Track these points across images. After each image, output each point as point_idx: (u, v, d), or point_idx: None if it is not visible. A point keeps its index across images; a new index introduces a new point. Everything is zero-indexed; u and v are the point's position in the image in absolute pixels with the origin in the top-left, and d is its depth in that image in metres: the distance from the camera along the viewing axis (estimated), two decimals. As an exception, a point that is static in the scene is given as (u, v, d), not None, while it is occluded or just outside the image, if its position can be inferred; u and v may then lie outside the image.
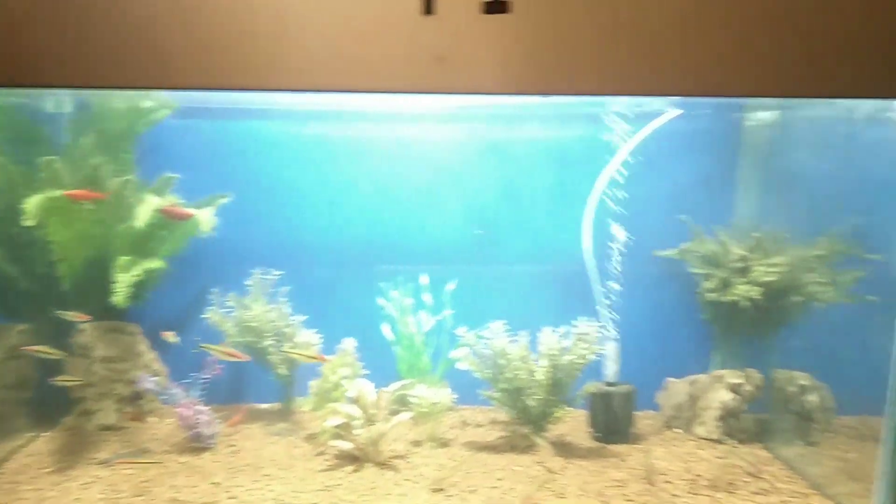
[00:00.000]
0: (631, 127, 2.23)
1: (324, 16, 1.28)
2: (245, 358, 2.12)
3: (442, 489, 1.88)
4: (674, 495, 1.88)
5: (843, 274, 2.13)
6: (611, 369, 2.31)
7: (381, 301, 2.41)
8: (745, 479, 1.99)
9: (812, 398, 2.21)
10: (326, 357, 2.26)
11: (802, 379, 2.22)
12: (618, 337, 2.30)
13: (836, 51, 1.32)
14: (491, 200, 2.46)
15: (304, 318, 2.36)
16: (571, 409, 2.31)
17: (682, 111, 2.18)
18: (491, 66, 1.28)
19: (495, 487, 1.91)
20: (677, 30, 1.30)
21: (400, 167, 2.45)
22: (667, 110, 2.19)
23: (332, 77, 1.31)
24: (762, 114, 2.32)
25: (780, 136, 2.26)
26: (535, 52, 1.28)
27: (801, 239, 2.23)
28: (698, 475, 2.01)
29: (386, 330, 2.40)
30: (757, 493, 1.90)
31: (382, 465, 2.03)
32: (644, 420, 2.43)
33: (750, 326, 2.30)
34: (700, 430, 2.32)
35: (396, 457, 2.08)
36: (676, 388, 2.41)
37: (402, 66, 1.27)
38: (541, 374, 2.12)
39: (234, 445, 2.18)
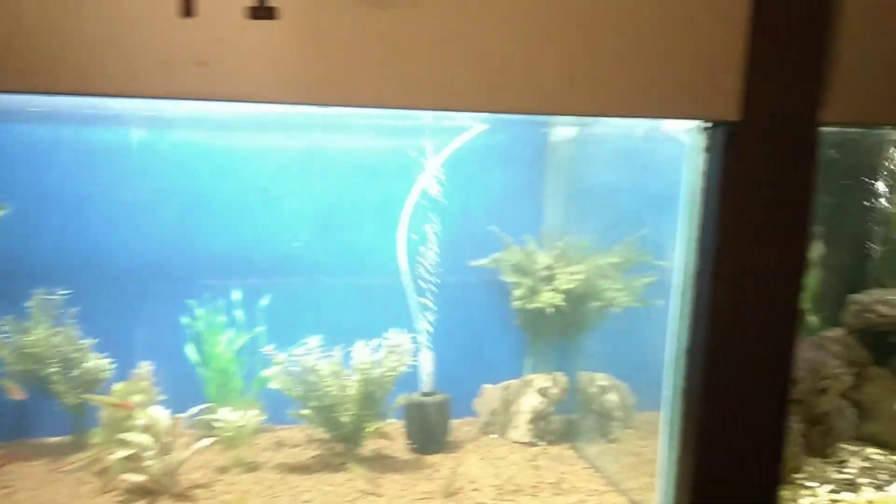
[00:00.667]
0: (441, 140, 2.26)
1: (83, 17, 1.17)
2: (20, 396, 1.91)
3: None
4: (479, 503, 1.92)
5: (635, 280, 2.29)
6: (426, 379, 2.32)
7: (185, 320, 2.26)
8: (549, 482, 2.07)
9: (612, 397, 2.34)
10: (130, 403, 2.06)
11: (602, 379, 2.35)
12: (431, 347, 2.32)
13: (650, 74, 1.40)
14: (307, 212, 2.40)
15: (95, 341, 2.16)
16: (393, 421, 2.31)
17: (487, 126, 2.24)
18: (260, 73, 1.22)
19: (302, 510, 1.85)
20: (464, 40, 1.31)
21: (207, 177, 2.31)
22: (474, 125, 2.25)
23: (90, 80, 1.20)
24: (564, 130, 2.45)
25: (579, 151, 2.40)
26: (307, 60, 1.24)
27: (599, 248, 2.38)
28: (507, 479, 2.06)
29: (190, 351, 2.25)
30: (557, 494, 1.98)
31: (179, 496, 1.89)
32: (463, 427, 2.47)
33: (556, 331, 2.41)
34: (514, 434, 2.39)
35: (196, 486, 1.95)
36: (491, 394, 2.47)
37: (160, 70, 1.18)
38: (352, 389, 2.08)
39: (8, 486, 1.94)
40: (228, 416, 2.07)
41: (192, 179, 2.30)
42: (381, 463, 2.16)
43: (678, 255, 1.68)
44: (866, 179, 2.46)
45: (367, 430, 2.15)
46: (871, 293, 2.34)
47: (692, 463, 1.66)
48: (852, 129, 2.24)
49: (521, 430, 2.37)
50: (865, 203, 2.47)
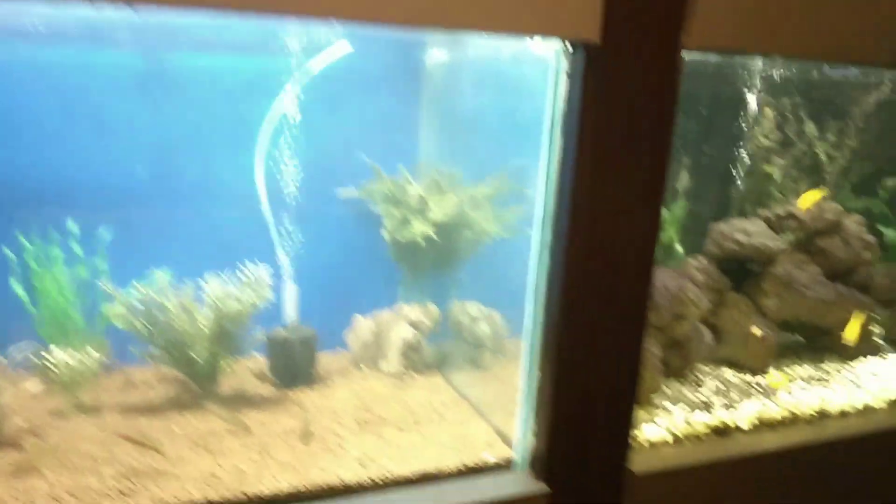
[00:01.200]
0: (304, 59, 2.07)
1: None
2: None
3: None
4: (340, 437, 1.86)
5: (507, 210, 2.24)
6: (290, 313, 2.21)
7: (10, 253, 2.01)
8: (415, 412, 2.04)
9: (483, 326, 2.32)
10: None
11: (474, 309, 2.33)
12: (297, 280, 2.21)
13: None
14: (155, 135, 2.17)
15: None
16: (256, 357, 2.21)
17: (351, 47, 2.07)
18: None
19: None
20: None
21: (33, 95, 2.03)
22: (340, 44, 2.07)
23: None
24: (439, 53, 2.31)
25: (452, 76, 2.29)
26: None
27: (473, 178, 2.31)
28: (371, 412, 2.02)
29: (18, 287, 2.02)
30: (422, 424, 1.96)
31: (4, 443, 1.72)
32: (334, 360, 2.40)
33: (429, 262, 2.35)
34: (384, 366, 2.34)
35: (25, 432, 1.78)
36: (362, 326, 2.40)
37: None
38: (205, 325, 1.95)
39: None
40: (62, 356, 1.89)
41: (12, 98, 2.01)
42: (241, 400, 2.06)
43: (540, 185, 1.63)
44: (733, 110, 2.49)
45: (223, 367, 2.03)
46: (733, 222, 2.40)
47: (551, 389, 1.66)
48: (722, 59, 2.24)
49: (391, 361, 2.32)
50: (731, 133, 2.52)
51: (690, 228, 2.55)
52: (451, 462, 1.74)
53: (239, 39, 2.13)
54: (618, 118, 1.49)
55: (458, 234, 2.28)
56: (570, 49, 1.49)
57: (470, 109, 2.26)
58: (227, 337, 1.98)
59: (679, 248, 2.56)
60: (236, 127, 2.19)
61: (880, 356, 2.58)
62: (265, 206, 2.14)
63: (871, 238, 2.44)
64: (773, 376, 2.28)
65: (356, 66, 2.19)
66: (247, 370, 2.20)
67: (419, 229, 2.18)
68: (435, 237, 2.21)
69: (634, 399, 1.76)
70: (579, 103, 1.48)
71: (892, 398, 2.20)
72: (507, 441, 1.85)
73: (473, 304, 2.35)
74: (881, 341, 2.71)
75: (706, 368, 2.39)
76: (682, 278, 2.18)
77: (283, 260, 2.20)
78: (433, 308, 2.34)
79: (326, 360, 2.38)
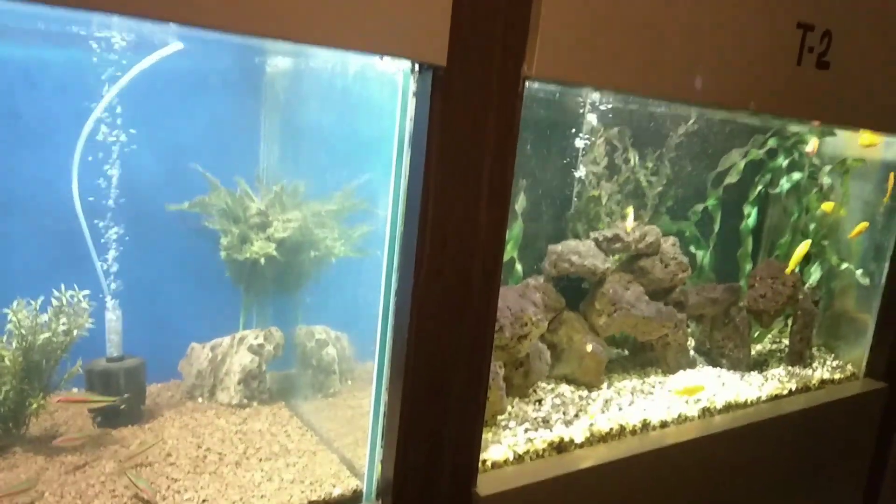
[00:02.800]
0: (127, 59, 1.90)
1: None
2: None
3: None
4: (174, 479, 1.70)
5: (354, 228, 2.20)
6: (114, 342, 2.00)
7: None
8: (256, 447, 1.92)
9: (331, 350, 2.25)
10: None
11: (321, 332, 2.25)
12: (121, 305, 2.00)
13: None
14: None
15: None
16: (76, 392, 1.97)
17: (182, 45, 1.94)
18: None
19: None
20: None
21: None
22: (172, 43, 1.93)
23: None
24: (282, 60, 2.23)
25: (297, 86, 2.22)
26: None
27: (319, 193, 2.24)
28: (209, 449, 1.87)
29: None
30: (263, 459, 1.85)
31: None
32: (165, 392, 2.21)
33: (272, 283, 2.24)
34: (222, 397, 2.19)
35: None
36: (198, 355, 2.23)
37: None
38: (8, 359, 1.70)
39: None
40: None
41: None
42: (54, 445, 1.82)
43: (388, 204, 1.61)
44: (570, 137, 2.64)
45: (33, 406, 1.79)
46: (567, 244, 2.54)
47: (398, 415, 1.63)
48: (560, 87, 2.37)
49: (230, 391, 2.18)
50: (567, 159, 2.67)
51: (530, 249, 2.66)
52: (295, 499, 1.65)
53: (48, 29, 1.91)
54: (464, 139, 1.51)
55: (302, 252, 2.20)
56: (418, 69, 1.49)
57: (315, 122, 2.20)
58: (36, 371, 1.75)
59: (519, 267, 2.66)
60: (49, 129, 1.96)
61: (697, 368, 2.84)
62: (82, 221, 1.92)
63: (684, 259, 2.69)
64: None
65: (190, 68, 2.06)
66: (67, 408, 1.96)
67: (260, 248, 2.07)
68: (278, 256, 2.11)
69: (482, 421, 1.78)
70: (426, 123, 1.48)
71: (703, 407, 2.41)
72: (354, 471, 1.80)
73: (321, 327, 2.27)
74: (694, 353, 2.99)
75: (546, 386, 2.48)
76: (523, 298, 2.26)
77: (105, 283, 1.98)
78: (276, 332, 2.24)
79: (158, 392, 2.19)
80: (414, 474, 1.66)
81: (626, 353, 2.88)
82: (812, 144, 2.96)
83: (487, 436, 2.03)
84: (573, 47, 1.62)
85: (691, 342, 3.08)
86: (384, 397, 1.67)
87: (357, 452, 1.78)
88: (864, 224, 3.07)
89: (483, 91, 1.51)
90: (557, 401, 2.36)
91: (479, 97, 1.51)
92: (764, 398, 2.63)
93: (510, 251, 2.62)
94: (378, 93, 1.67)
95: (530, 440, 2.02)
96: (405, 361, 1.60)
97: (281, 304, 2.32)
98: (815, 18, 2.10)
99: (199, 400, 2.19)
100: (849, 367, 3.09)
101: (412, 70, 1.50)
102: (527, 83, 1.60)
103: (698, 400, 2.46)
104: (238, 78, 2.26)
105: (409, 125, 1.54)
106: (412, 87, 1.51)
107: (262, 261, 2.10)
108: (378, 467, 1.67)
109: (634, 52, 1.72)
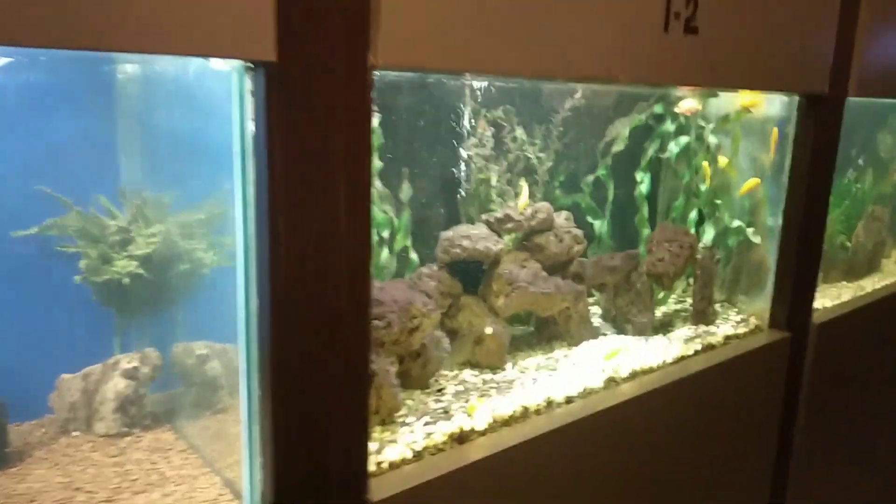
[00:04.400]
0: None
1: None
2: None
3: None
4: (34, 528, 1.57)
5: (225, 237, 2.08)
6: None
7: None
8: (132, 478, 1.80)
9: (214, 365, 2.13)
10: None
11: (201, 348, 2.13)
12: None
13: None
14: None
15: None
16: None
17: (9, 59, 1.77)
18: None
19: None
20: None
21: None
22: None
23: None
24: (130, 66, 2.07)
25: (147, 91, 2.06)
26: None
27: (186, 203, 2.11)
28: (78, 488, 1.74)
29: None
30: (140, 492, 1.73)
31: None
32: (38, 430, 2.05)
33: (143, 303, 2.10)
34: (100, 427, 2.05)
35: None
36: (69, 385, 2.08)
37: None
38: None
39: None
40: None
41: None
42: None
43: (237, 210, 1.51)
44: (455, 120, 2.58)
45: None
46: (458, 229, 2.49)
47: (273, 428, 1.54)
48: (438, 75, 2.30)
49: (107, 421, 2.04)
50: (453, 143, 2.60)
51: (426, 237, 2.60)
52: (170, 531, 1.55)
53: None
54: (309, 140, 1.42)
55: (173, 266, 2.06)
56: (252, 67, 1.39)
57: (172, 128, 2.06)
58: None
59: (414, 256, 2.59)
60: None
61: (600, 336, 2.85)
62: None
63: (578, 232, 2.68)
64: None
65: (25, 83, 1.88)
66: None
67: (121, 267, 1.93)
68: (144, 273, 1.98)
69: (367, 425, 1.71)
70: (265, 123, 1.38)
71: (607, 377, 2.42)
72: (236, 492, 1.70)
73: (202, 342, 2.15)
74: (601, 321, 3.01)
75: (449, 373, 2.44)
76: (411, 290, 2.20)
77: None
78: (152, 353, 2.10)
79: (29, 431, 2.03)
80: (297, 491, 1.58)
81: (532, 329, 2.87)
82: (685, 105, 2.99)
83: (384, 436, 1.97)
84: (422, 31, 1.54)
85: (598, 311, 3.10)
86: (256, 412, 1.58)
87: (239, 471, 1.68)
88: (755, 180, 3.15)
89: (326, 86, 1.42)
90: (460, 388, 2.32)
91: (323, 93, 1.42)
92: (670, 361, 2.66)
93: (401, 241, 2.55)
94: (217, 93, 1.55)
95: (429, 434, 1.97)
96: (272, 372, 1.51)
97: (157, 322, 2.18)
98: (676, -17, 2.10)
99: (75, 434, 2.05)
100: (752, 319, 3.17)
101: (246, 67, 1.39)
102: (377, 73, 1.51)
103: (603, 370, 2.47)
104: (87, 89, 2.08)
105: (250, 126, 1.43)
106: (249, 85, 1.41)
107: (127, 280, 1.95)
108: (258, 487, 1.58)
109: (489, 31, 1.66)
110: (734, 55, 2.43)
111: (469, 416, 2.07)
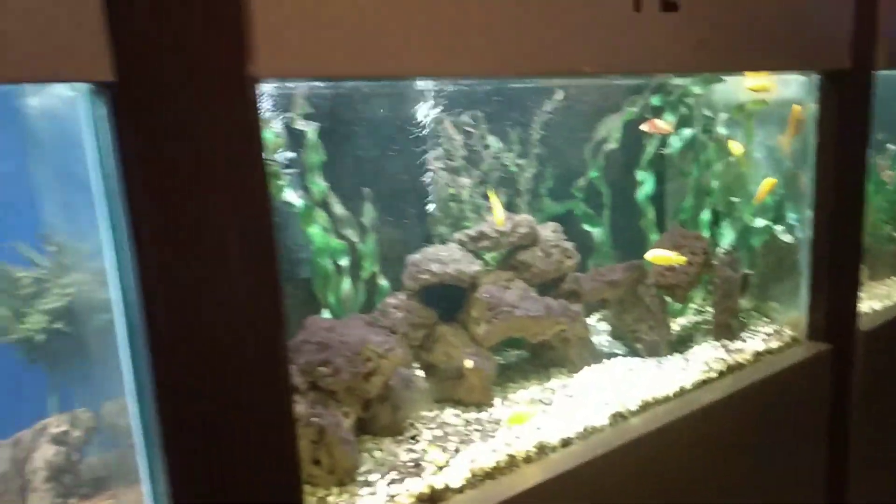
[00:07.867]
0: None
1: None
2: None
3: None
4: None
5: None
6: None
7: None
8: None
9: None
10: None
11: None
12: None
13: None
14: None
15: None
16: None
17: None
18: None
19: None
20: None
21: None
22: None
23: None
24: (37, 99, 1.89)
25: (56, 122, 1.87)
26: None
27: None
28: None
29: None
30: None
31: None
32: (-30, 506, 1.87)
33: (73, 358, 1.91)
34: (33, 501, 1.85)
35: None
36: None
37: None
38: None
39: None
40: None
41: None
42: None
43: (108, 258, 1.28)
44: (417, 131, 2.33)
45: None
46: (427, 251, 2.23)
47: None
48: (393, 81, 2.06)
49: (40, 493, 1.85)
50: (419, 157, 2.36)
51: (396, 260, 2.35)
52: None
53: None
54: (176, 164, 1.19)
55: (98, 315, 1.86)
56: (95, 90, 1.17)
57: (79, 164, 1.86)
58: None
59: (385, 282, 2.35)
60: None
61: (608, 359, 2.55)
62: None
63: (568, 244, 2.40)
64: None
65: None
66: None
67: (33, 324, 1.74)
68: (62, 328, 1.78)
69: (300, 495, 1.47)
70: (120, 153, 1.16)
71: (613, 412, 2.12)
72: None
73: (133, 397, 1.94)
74: (609, 340, 2.70)
75: (429, 414, 2.18)
76: (369, 326, 1.95)
77: None
78: (84, 414, 1.90)
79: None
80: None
81: (527, 354, 2.58)
82: (659, 124, 2.64)
83: (341, 499, 1.72)
84: (311, 33, 1.30)
85: (606, 328, 2.80)
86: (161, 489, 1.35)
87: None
88: (771, 181, 2.80)
89: (191, 103, 1.19)
90: (438, 432, 2.05)
91: (190, 112, 1.19)
92: (689, 386, 2.33)
93: (369, 268, 2.31)
94: (73, 122, 1.33)
95: (391, 497, 1.71)
96: (171, 446, 1.28)
97: (88, 378, 1.98)
98: (642, -47, 1.81)
99: (6, 509, 1.86)
100: (786, 331, 2.79)
101: (92, 90, 1.18)
102: (263, 86, 1.28)
103: (606, 403, 2.16)
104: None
105: (110, 157, 1.21)
106: (101, 109, 1.19)
107: (42, 337, 1.76)
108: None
109: (404, 25, 1.41)
110: (728, 32, 2.12)
111: (435, 467, 1.81)
